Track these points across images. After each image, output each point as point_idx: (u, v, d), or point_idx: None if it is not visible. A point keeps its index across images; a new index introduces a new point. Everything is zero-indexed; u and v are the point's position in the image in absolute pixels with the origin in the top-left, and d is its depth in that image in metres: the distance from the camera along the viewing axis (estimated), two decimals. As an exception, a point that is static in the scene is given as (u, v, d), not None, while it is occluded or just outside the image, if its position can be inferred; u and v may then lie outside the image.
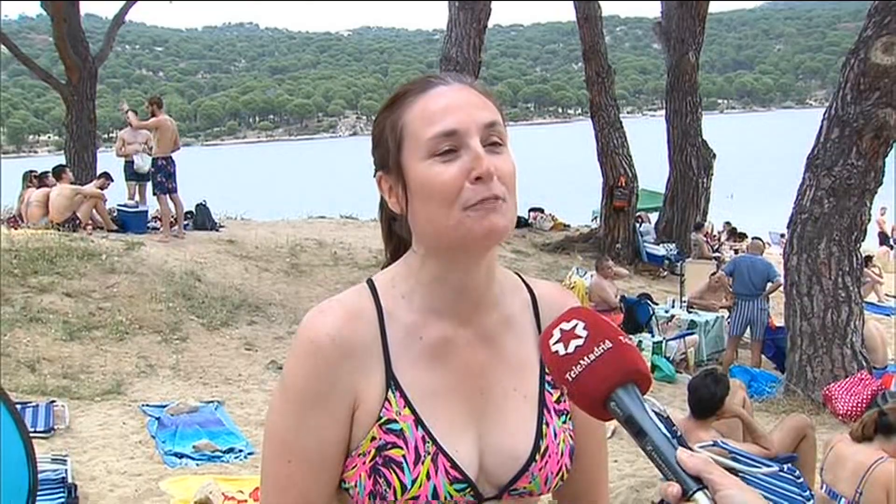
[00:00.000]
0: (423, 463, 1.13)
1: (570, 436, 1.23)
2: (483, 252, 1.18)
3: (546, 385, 1.23)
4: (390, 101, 1.20)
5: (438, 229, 1.14)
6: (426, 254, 1.19)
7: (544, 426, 1.20)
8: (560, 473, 1.21)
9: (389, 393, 1.16)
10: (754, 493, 0.88)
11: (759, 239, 12.27)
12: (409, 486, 1.12)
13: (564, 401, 1.23)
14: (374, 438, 1.14)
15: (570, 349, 0.98)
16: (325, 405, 1.15)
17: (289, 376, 1.18)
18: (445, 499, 1.13)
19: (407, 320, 1.20)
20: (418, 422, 1.15)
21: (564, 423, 1.23)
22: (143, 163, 12.54)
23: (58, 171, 12.00)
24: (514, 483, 1.17)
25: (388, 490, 1.13)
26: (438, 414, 1.16)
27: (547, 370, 1.22)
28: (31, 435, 3.45)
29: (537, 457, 1.18)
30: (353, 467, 1.16)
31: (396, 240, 1.29)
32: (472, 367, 1.20)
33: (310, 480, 1.16)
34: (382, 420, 1.15)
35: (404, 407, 1.15)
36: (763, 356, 9.69)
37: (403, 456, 1.13)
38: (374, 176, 1.23)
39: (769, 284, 9.57)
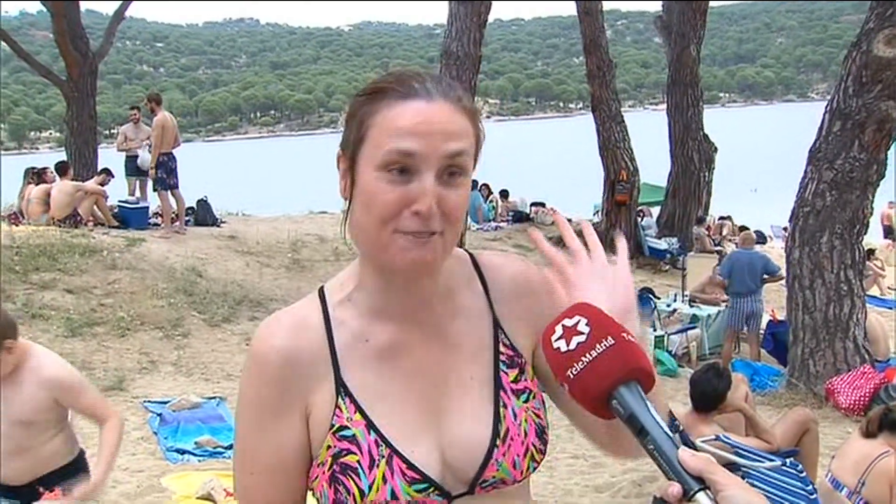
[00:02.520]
0: (377, 467, 1.12)
1: (535, 414, 1.20)
2: (409, 276, 1.15)
3: (501, 365, 1.21)
4: (372, 89, 1.15)
5: (368, 241, 1.13)
6: (364, 256, 1.18)
7: (502, 409, 1.18)
8: (528, 454, 1.18)
9: (339, 399, 1.15)
10: (757, 494, 0.87)
11: (760, 232, 12.24)
12: (366, 492, 1.11)
13: (524, 379, 1.21)
14: (329, 447, 1.14)
15: (572, 346, 0.97)
16: (276, 415, 1.16)
17: (242, 390, 1.20)
18: (407, 501, 1.12)
19: (354, 324, 1.19)
20: (370, 426, 1.14)
21: (526, 402, 1.20)
22: (144, 160, 12.51)
23: (61, 167, 12.01)
24: (482, 474, 1.15)
25: (347, 497, 1.12)
26: (391, 416, 1.15)
27: (501, 349, 1.21)
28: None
29: (498, 442, 1.16)
30: (316, 478, 1.16)
31: None
32: (425, 364, 1.19)
33: (273, 490, 1.18)
34: (335, 427, 1.14)
35: (355, 412, 1.15)
36: (763, 350, 9.69)
37: (358, 461, 1.12)
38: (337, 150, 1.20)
39: (765, 276, 9.55)
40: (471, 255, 1.28)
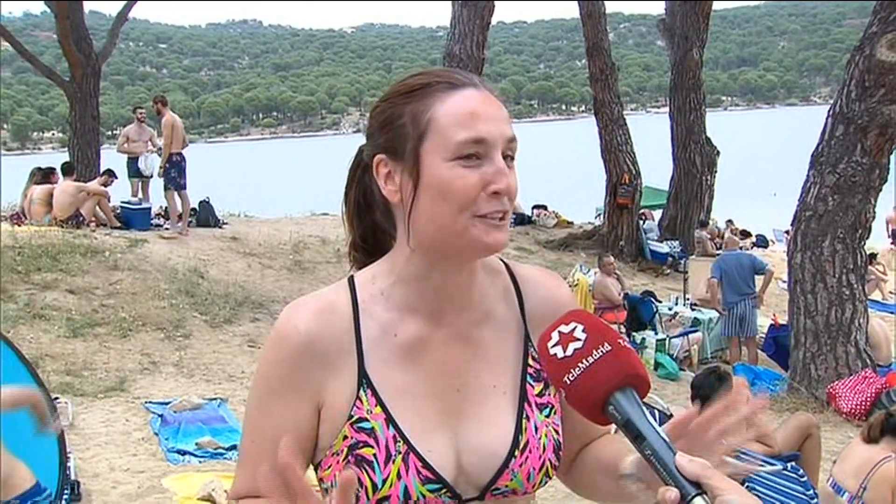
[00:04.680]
0: (393, 462, 1.12)
1: (555, 430, 1.20)
2: (475, 261, 1.18)
3: (528, 378, 1.22)
4: (411, 87, 1.17)
5: (441, 230, 1.13)
6: (415, 250, 1.17)
7: (524, 420, 1.18)
8: (544, 469, 1.18)
9: (361, 391, 1.15)
10: (753, 499, 0.87)
11: (762, 236, 12.21)
12: (379, 486, 1.11)
13: (548, 394, 1.21)
14: (346, 437, 1.14)
15: (569, 352, 0.98)
16: (284, 394, 1.17)
17: (259, 363, 1.22)
18: (418, 499, 1.12)
19: (383, 317, 1.19)
20: (389, 420, 1.14)
21: (547, 416, 1.20)
22: (148, 166, 12.50)
23: (67, 168, 12.06)
24: (495, 482, 1.15)
25: (360, 489, 1.12)
26: (411, 413, 1.15)
27: (529, 362, 1.22)
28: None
29: (516, 453, 1.16)
30: (329, 467, 1.16)
31: (369, 224, 1.28)
32: (449, 365, 1.19)
33: (262, 459, 1.16)
34: (354, 419, 1.14)
35: (375, 405, 1.15)
36: (765, 354, 9.68)
37: (374, 455, 1.13)
38: (368, 156, 1.20)
39: (757, 277, 9.54)
40: (506, 264, 1.29)
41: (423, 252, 1.17)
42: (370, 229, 1.28)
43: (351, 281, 1.23)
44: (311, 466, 1.21)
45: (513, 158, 1.16)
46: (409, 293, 1.19)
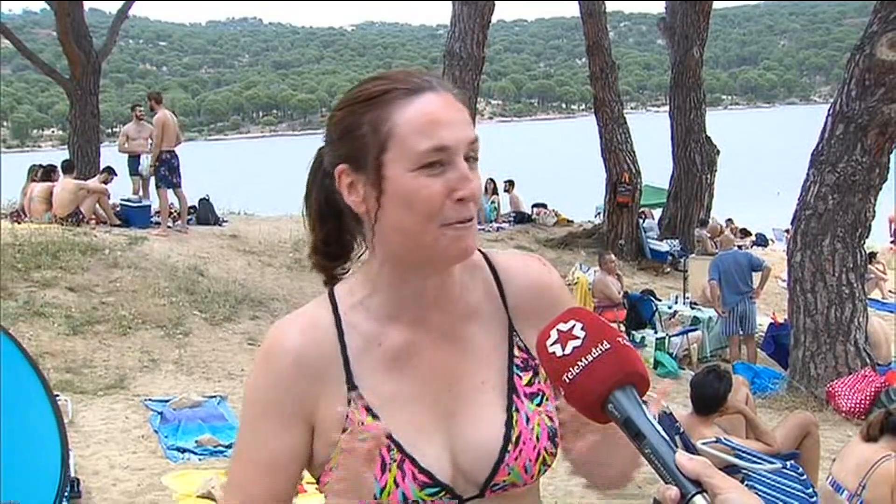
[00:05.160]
0: (389, 471, 1.12)
1: (548, 417, 1.19)
2: (447, 269, 1.17)
3: (515, 369, 1.21)
4: (370, 95, 1.14)
5: (410, 240, 1.12)
6: (384, 259, 1.17)
7: (514, 413, 1.17)
8: (540, 458, 1.17)
9: (351, 403, 1.15)
10: (754, 497, 0.87)
11: (762, 235, 12.20)
12: (378, 495, 1.11)
13: (537, 382, 1.21)
14: (342, 450, 1.13)
15: (568, 350, 0.97)
16: (275, 415, 1.16)
17: (248, 384, 1.21)
18: (418, 503, 1.12)
19: (365, 328, 1.18)
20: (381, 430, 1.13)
21: (539, 405, 1.19)
22: (146, 166, 12.48)
23: (67, 165, 12.06)
24: (493, 478, 1.15)
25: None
26: (403, 420, 1.15)
27: (515, 352, 1.21)
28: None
29: (510, 447, 1.16)
30: (329, 482, 1.15)
31: (333, 227, 1.23)
32: (437, 367, 1.18)
33: (255, 483, 1.17)
34: (348, 431, 1.14)
35: (366, 416, 1.14)
36: (764, 353, 9.68)
37: None
38: (330, 164, 1.18)
39: (755, 275, 9.55)
40: (484, 254, 1.27)
41: (393, 262, 1.16)
42: (334, 233, 1.25)
43: (331, 294, 1.22)
44: (315, 481, 1.21)
45: (476, 159, 1.13)
46: (387, 302, 1.19)
